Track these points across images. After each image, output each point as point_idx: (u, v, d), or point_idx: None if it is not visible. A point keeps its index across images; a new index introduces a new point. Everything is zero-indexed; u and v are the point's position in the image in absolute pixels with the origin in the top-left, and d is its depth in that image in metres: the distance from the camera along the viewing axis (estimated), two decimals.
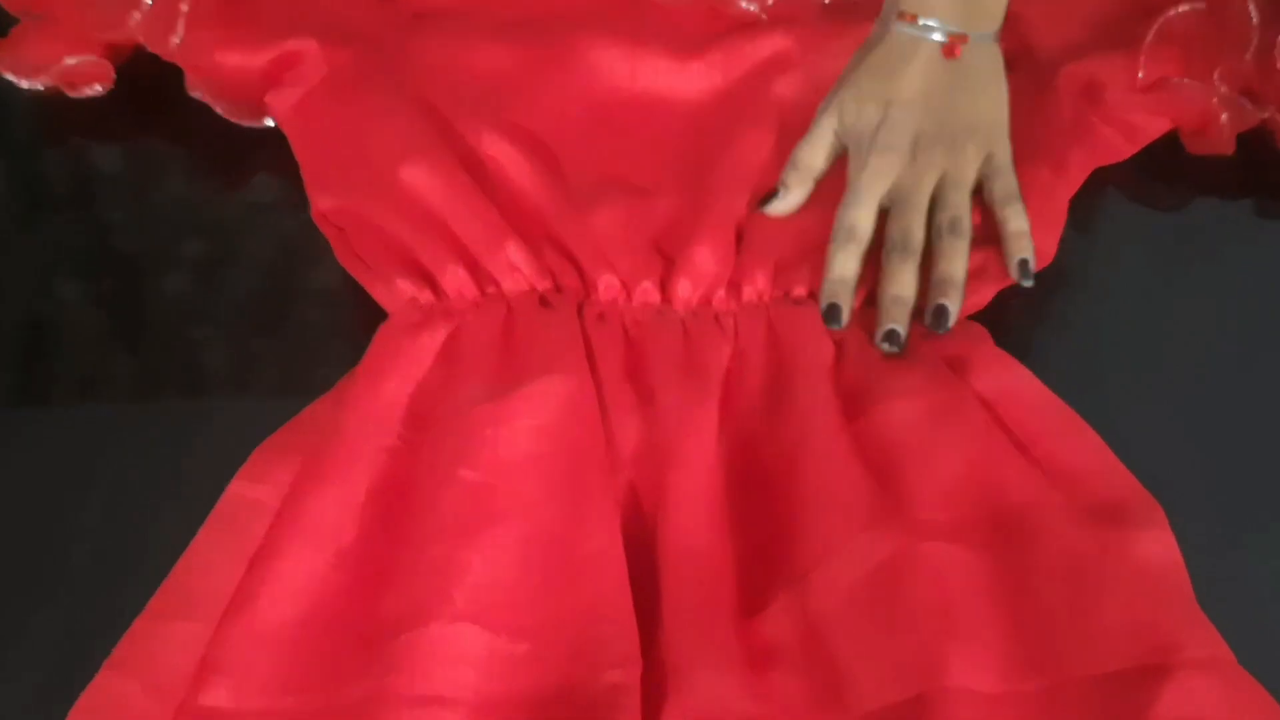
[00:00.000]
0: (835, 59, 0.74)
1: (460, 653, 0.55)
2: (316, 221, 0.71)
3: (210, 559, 0.58)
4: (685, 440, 0.62)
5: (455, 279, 0.67)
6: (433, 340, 0.65)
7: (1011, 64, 0.73)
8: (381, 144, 0.70)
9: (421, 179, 0.69)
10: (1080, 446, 0.62)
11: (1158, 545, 0.59)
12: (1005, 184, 0.69)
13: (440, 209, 0.68)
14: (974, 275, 0.68)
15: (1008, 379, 0.64)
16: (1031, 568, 0.58)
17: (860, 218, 0.68)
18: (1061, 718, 0.55)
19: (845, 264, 0.67)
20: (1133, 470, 0.61)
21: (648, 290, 0.68)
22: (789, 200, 0.71)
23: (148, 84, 0.77)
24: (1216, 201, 0.75)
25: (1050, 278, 0.71)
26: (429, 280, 0.67)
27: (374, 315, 0.67)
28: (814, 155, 0.71)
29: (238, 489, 0.60)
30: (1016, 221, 0.68)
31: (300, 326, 0.71)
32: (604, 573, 0.58)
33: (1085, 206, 0.73)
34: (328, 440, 0.61)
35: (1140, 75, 0.74)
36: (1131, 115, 0.74)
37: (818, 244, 0.69)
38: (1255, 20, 0.73)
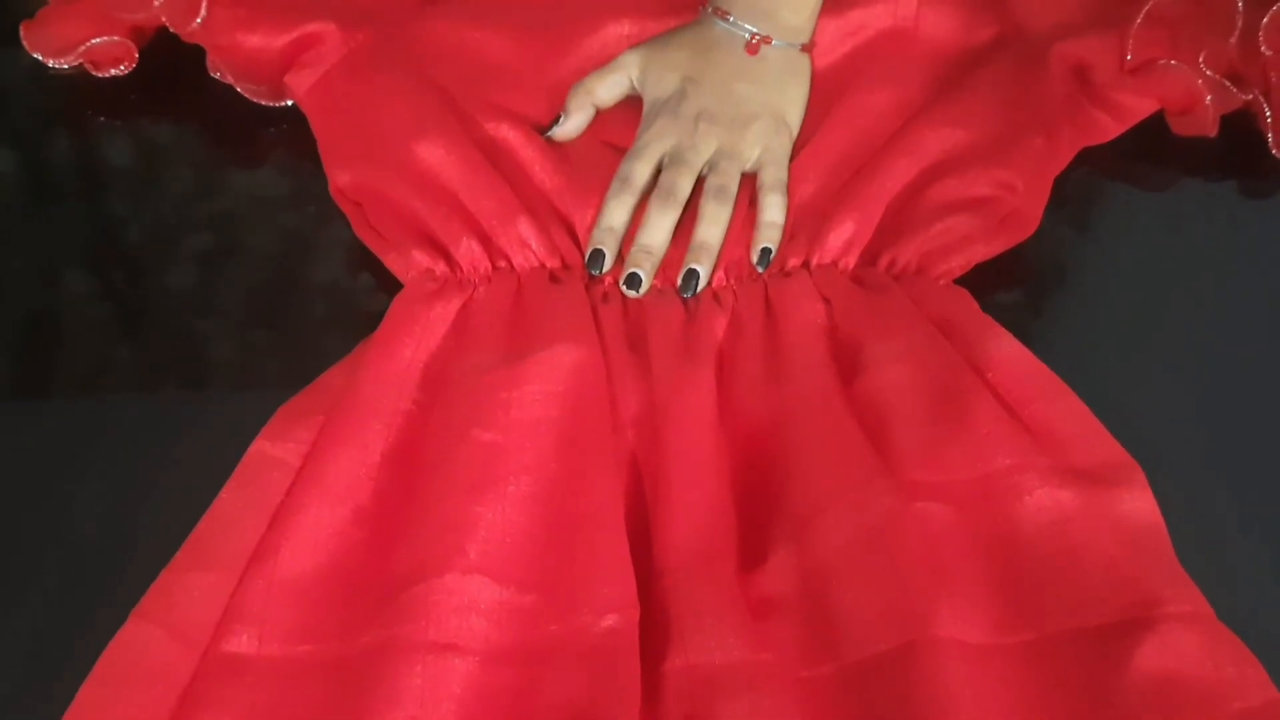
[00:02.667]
0: (839, 39, 0.77)
1: (472, 602, 0.58)
2: (334, 197, 0.73)
3: (234, 514, 0.61)
4: (682, 404, 0.64)
5: (468, 252, 0.69)
6: (446, 310, 0.68)
7: (1003, 44, 0.75)
8: (397, 122, 0.73)
9: (436, 155, 0.71)
10: (1064, 411, 0.64)
11: (1139, 505, 0.61)
12: (774, 174, 0.72)
13: (454, 184, 0.70)
14: (960, 241, 0.70)
15: (995, 345, 0.66)
16: (1017, 526, 0.60)
17: (637, 170, 0.71)
18: (1046, 668, 0.57)
19: (616, 213, 0.70)
20: (1117, 437, 0.63)
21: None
22: (570, 125, 0.75)
23: (169, 65, 0.79)
24: (1200, 182, 0.77)
25: (1036, 255, 0.73)
26: (443, 253, 0.70)
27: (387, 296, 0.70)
28: (604, 89, 0.75)
29: (260, 448, 0.63)
30: (772, 212, 0.71)
31: (318, 308, 0.73)
32: (604, 527, 0.60)
33: (1072, 185, 0.75)
34: (346, 403, 0.64)
35: (1128, 57, 0.75)
36: (1119, 96, 0.76)
37: (816, 216, 0.71)
38: (1240, 5, 0.75)
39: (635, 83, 0.75)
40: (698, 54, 0.74)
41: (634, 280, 0.69)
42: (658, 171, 0.72)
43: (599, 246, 0.70)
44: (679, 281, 0.70)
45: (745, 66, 0.74)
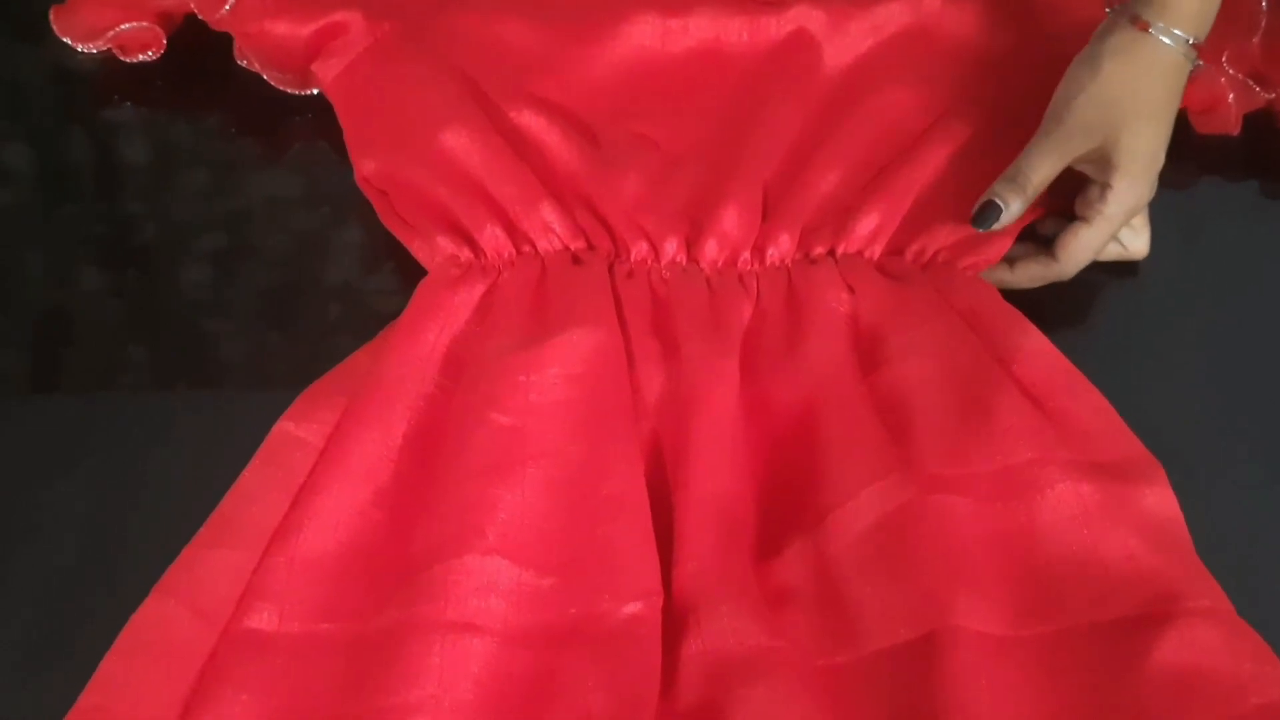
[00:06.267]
0: (860, 37, 0.77)
1: (491, 583, 0.58)
2: (360, 185, 0.73)
3: (256, 493, 0.62)
4: (707, 391, 0.64)
5: (492, 238, 0.70)
6: (470, 295, 0.68)
7: (1026, 41, 0.76)
8: (422, 110, 0.73)
9: (461, 143, 0.71)
10: (1087, 406, 0.64)
11: (1159, 501, 0.61)
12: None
13: (478, 171, 0.71)
14: (989, 233, 0.70)
15: (1021, 338, 0.66)
16: (1038, 519, 0.61)
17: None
18: (1065, 662, 0.58)
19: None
20: (1137, 432, 0.64)
21: (676, 251, 0.70)
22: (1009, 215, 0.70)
23: (196, 51, 0.80)
24: (1221, 180, 0.78)
25: None
26: (467, 239, 0.70)
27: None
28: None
29: (284, 428, 0.63)
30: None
31: (330, 309, 0.73)
32: (627, 512, 0.61)
33: None
34: (369, 386, 0.64)
35: None
36: None
37: (843, 208, 0.71)
38: (1264, 5, 0.76)
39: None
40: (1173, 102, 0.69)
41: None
42: None
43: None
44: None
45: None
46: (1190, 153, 0.77)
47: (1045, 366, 0.66)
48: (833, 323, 0.67)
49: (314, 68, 0.77)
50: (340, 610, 0.59)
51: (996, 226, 0.68)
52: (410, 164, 0.72)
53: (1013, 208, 0.68)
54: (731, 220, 0.70)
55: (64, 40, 0.80)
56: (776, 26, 0.78)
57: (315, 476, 0.62)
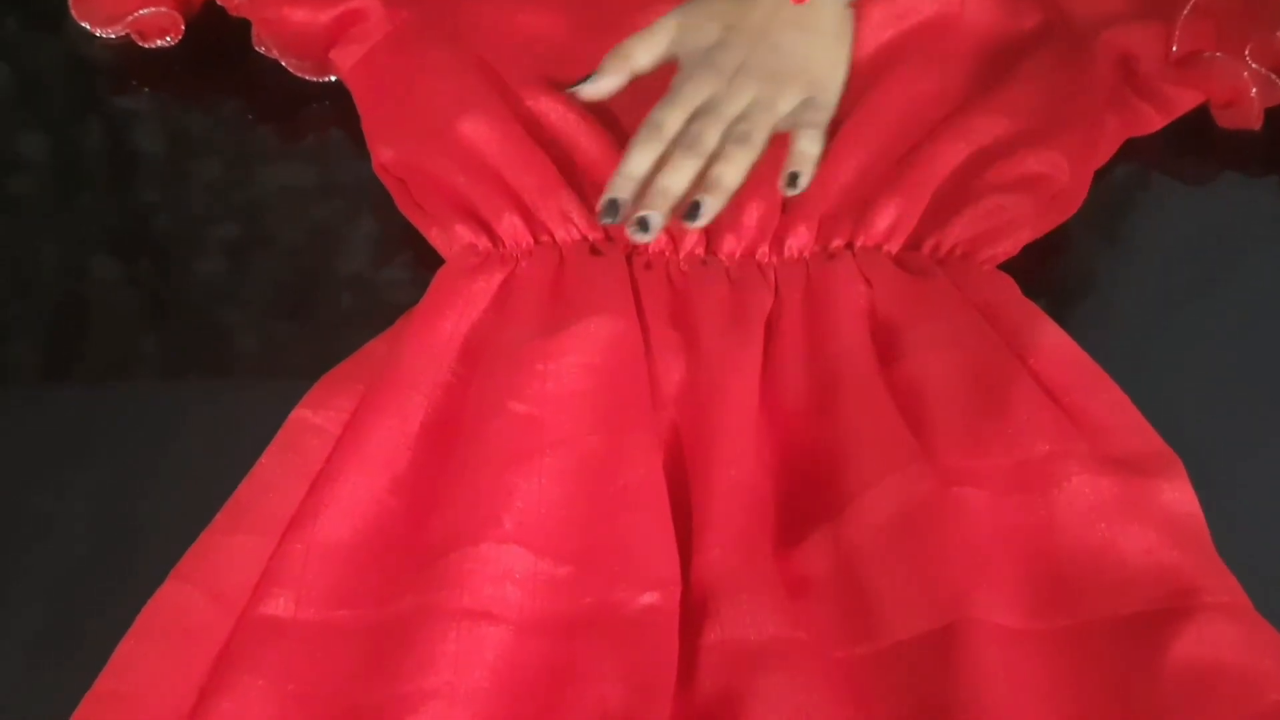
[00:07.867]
0: (881, 26, 0.77)
1: (507, 571, 0.58)
2: (377, 173, 0.73)
3: (273, 479, 0.62)
4: (728, 381, 0.64)
5: (510, 227, 0.70)
6: (488, 284, 0.68)
7: (1048, 33, 0.75)
8: (441, 99, 0.73)
9: (479, 132, 0.71)
10: (1105, 400, 0.64)
11: (1178, 495, 0.61)
12: (814, 116, 0.68)
13: (497, 160, 0.71)
14: (1007, 225, 0.70)
15: (1038, 332, 0.66)
16: (1056, 512, 0.60)
17: (668, 118, 0.66)
18: (1083, 655, 0.57)
19: (640, 161, 0.65)
20: (1155, 427, 0.63)
21: (694, 242, 0.70)
22: (601, 85, 0.70)
23: (215, 37, 0.80)
24: (1243, 175, 0.78)
25: (1076, 245, 0.73)
26: (486, 228, 0.70)
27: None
28: (641, 51, 0.70)
29: (301, 415, 0.63)
30: (809, 145, 0.66)
31: (343, 300, 0.73)
32: (644, 502, 0.61)
33: (1113, 176, 0.75)
34: (386, 374, 0.64)
35: (1174, 49, 0.76)
36: (1164, 87, 0.76)
37: (861, 199, 0.71)
38: None
39: (673, 42, 0.71)
40: (740, 1, 0.70)
41: (645, 223, 0.63)
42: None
43: (616, 194, 0.64)
44: (684, 212, 0.65)
45: (791, 15, 0.69)
46: (1211, 147, 0.77)
47: (1063, 361, 0.65)
48: (851, 315, 0.67)
49: (332, 55, 0.77)
50: (356, 597, 0.59)
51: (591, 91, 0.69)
52: (428, 152, 0.72)
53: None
54: (750, 213, 0.70)
55: (82, 25, 0.79)
56: None
57: (332, 464, 0.62)
